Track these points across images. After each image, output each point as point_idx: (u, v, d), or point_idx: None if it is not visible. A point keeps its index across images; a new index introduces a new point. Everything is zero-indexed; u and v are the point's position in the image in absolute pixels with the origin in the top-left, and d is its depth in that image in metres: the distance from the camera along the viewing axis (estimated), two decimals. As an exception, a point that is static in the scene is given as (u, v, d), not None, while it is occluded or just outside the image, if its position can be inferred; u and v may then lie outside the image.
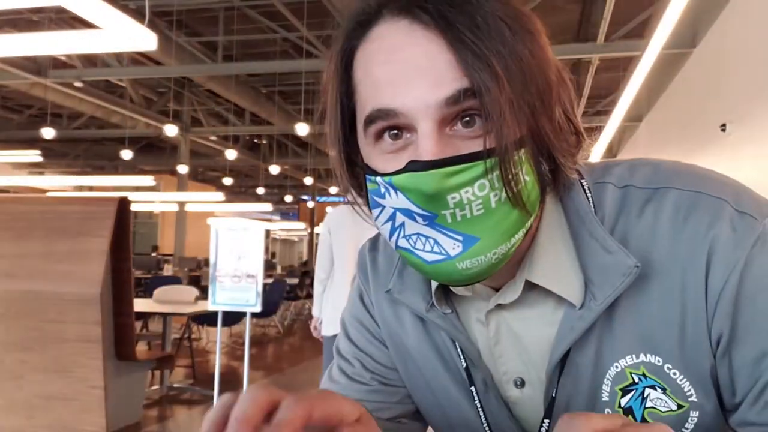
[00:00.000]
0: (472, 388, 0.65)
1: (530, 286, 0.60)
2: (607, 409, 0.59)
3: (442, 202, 0.51)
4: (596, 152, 13.75)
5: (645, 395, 0.57)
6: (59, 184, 20.12)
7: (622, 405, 0.58)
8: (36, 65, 10.83)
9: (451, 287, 0.64)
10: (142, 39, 3.72)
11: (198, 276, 12.19)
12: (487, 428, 0.65)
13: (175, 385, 5.07)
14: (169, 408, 4.48)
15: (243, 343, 7.91)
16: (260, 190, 23.77)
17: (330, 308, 3.04)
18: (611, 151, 18.85)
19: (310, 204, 26.66)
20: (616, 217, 0.57)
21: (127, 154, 14.31)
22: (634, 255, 0.54)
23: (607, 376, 0.58)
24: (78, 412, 3.55)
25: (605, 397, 0.59)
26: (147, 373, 4.26)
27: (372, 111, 0.54)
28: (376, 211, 0.57)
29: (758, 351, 0.52)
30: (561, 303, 0.59)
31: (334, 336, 3.04)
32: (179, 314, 4.71)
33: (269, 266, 17.19)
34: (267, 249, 32.45)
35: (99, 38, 3.72)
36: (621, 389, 0.58)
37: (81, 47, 3.81)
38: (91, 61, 11.60)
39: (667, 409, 0.56)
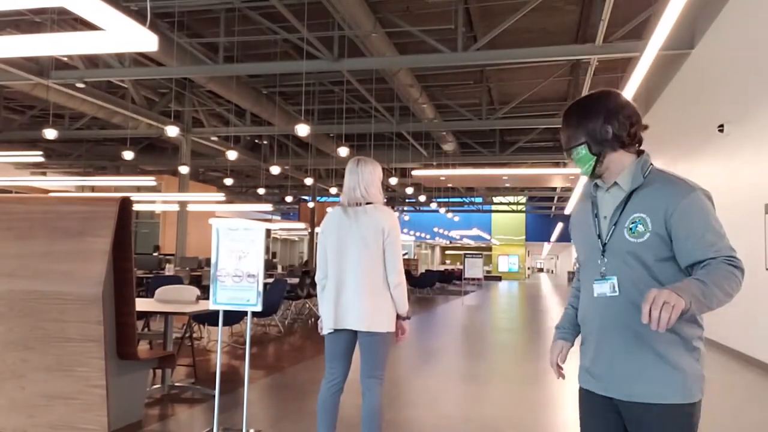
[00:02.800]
0: (596, 219, 1.72)
1: (615, 184, 1.68)
2: (625, 225, 1.62)
3: (572, 158, 1.73)
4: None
5: (637, 226, 1.60)
6: (61, 184, 20.15)
7: (627, 225, 1.61)
8: (38, 66, 10.87)
9: (597, 183, 1.75)
10: (144, 40, 3.75)
11: (199, 275, 12.22)
12: (597, 234, 1.70)
13: (176, 384, 5.10)
14: (170, 407, 4.50)
15: (244, 343, 7.94)
16: (261, 191, 23.79)
17: (324, 308, 3.08)
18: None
19: (311, 204, 26.67)
20: (648, 169, 1.66)
21: (128, 155, 14.34)
22: (643, 176, 1.64)
23: (630, 217, 1.62)
24: (79, 411, 3.58)
25: (627, 224, 1.61)
26: (148, 372, 4.29)
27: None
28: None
29: (684, 238, 1.55)
30: (621, 190, 1.66)
31: (330, 334, 3.07)
32: (180, 314, 4.74)
33: (270, 266, 17.20)
34: (268, 249, 32.47)
35: (101, 39, 3.75)
36: (631, 221, 1.61)
37: (83, 48, 3.84)
38: (92, 62, 11.64)
39: (641, 230, 1.59)
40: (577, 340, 1.84)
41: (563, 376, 1.85)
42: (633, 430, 1.63)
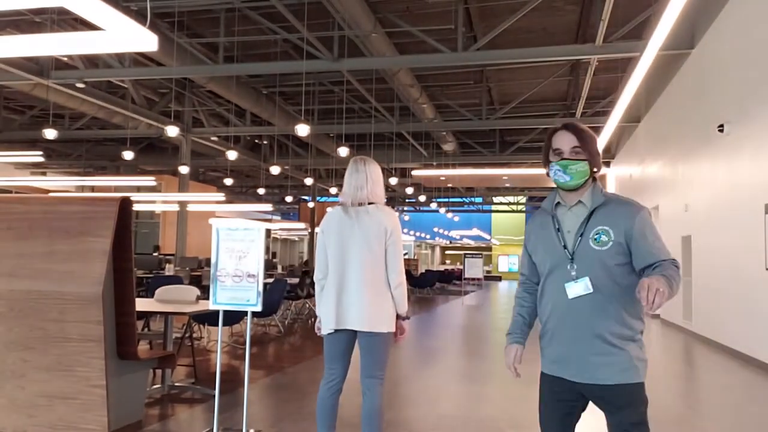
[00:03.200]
0: (559, 233, 2.03)
1: (579, 202, 2.03)
2: (589, 236, 1.97)
3: (567, 167, 1.99)
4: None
5: (600, 236, 1.96)
6: (61, 184, 20.14)
7: (591, 236, 1.97)
8: (38, 66, 10.87)
9: (559, 202, 2.07)
10: (144, 40, 3.75)
11: (199, 275, 12.22)
12: (563, 246, 2.00)
13: (176, 384, 5.09)
14: (170, 407, 4.51)
15: (244, 343, 7.94)
16: (261, 191, 23.79)
17: (324, 308, 3.08)
18: (610, 151, 18.84)
19: (311, 204, 26.67)
20: (603, 191, 2.04)
21: (128, 155, 14.34)
22: (602, 197, 2.01)
23: (594, 229, 1.97)
24: (80, 410, 3.58)
25: (592, 235, 1.96)
26: (148, 372, 4.29)
27: (555, 148, 2.03)
28: (550, 171, 2.03)
29: (643, 245, 1.94)
30: (585, 207, 2.01)
31: (330, 335, 3.07)
32: (180, 314, 4.74)
33: (270, 266, 17.20)
34: (268, 249, 32.46)
35: (101, 39, 3.75)
36: (595, 232, 1.96)
37: (83, 48, 3.84)
38: (92, 62, 11.64)
39: (605, 240, 1.94)
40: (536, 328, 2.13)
41: (519, 375, 2.15)
42: (603, 408, 1.98)
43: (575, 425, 2.06)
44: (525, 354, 2.16)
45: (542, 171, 2.23)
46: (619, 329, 1.94)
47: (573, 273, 1.98)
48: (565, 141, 2.01)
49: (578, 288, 1.96)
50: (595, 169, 2.03)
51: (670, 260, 1.93)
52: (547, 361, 2.08)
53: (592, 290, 1.94)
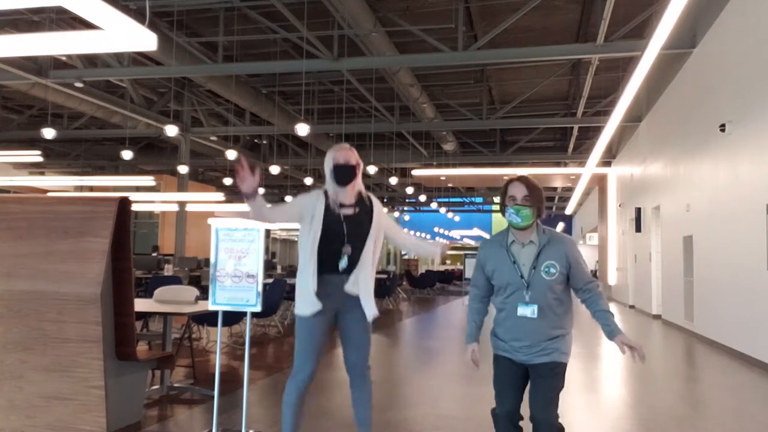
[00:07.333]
0: (515, 264, 2.68)
1: (530, 240, 2.69)
2: (541, 269, 2.65)
3: (520, 211, 2.63)
4: (596, 153, 13.68)
5: (549, 269, 2.64)
6: (60, 184, 20.11)
7: (542, 269, 2.65)
8: (37, 66, 10.84)
9: (514, 240, 2.71)
10: (143, 39, 3.73)
11: (198, 276, 12.19)
12: (521, 276, 2.66)
13: (175, 385, 5.07)
14: (169, 408, 4.48)
15: (243, 343, 7.92)
16: (261, 191, 23.71)
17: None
18: (611, 151, 18.83)
19: (311, 204, 26.59)
20: (543, 229, 2.74)
21: (127, 155, 14.31)
22: (546, 236, 2.70)
23: (543, 265, 2.65)
24: (78, 411, 3.56)
25: (542, 269, 2.65)
26: (147, 373, 4.26)
27: (510, 195, 2.66)
28: (506, 214, 2.68)
29: (576, 270, 2.69)
30: (535, 245, 2.68)
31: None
32: (179, 314, 4.72)
33: (269, 266, 17.18)
34: (267, 249, 32.43)
35: (100, 38, 3.73)
36: (545, 266, 2.65)
37: (82, 48, 3.82)
38: (91, 61, 11.62)
39: (554, 272, 2.64)
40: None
41: (478, 368, 2.90)
42: (535, 380, 2.69)
43: (522, 390, 2.75)
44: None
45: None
46: (556, 331, 2.67)
47: (527, 298, 2.66)
48: (518, 190, 2.62)
49: (527, 311, 2.66)
50: (539, 214, 2.71)
51: (594, 284, 2.69)
52: (501, 349, 2.80)
53: (536, 316, 2.64)
